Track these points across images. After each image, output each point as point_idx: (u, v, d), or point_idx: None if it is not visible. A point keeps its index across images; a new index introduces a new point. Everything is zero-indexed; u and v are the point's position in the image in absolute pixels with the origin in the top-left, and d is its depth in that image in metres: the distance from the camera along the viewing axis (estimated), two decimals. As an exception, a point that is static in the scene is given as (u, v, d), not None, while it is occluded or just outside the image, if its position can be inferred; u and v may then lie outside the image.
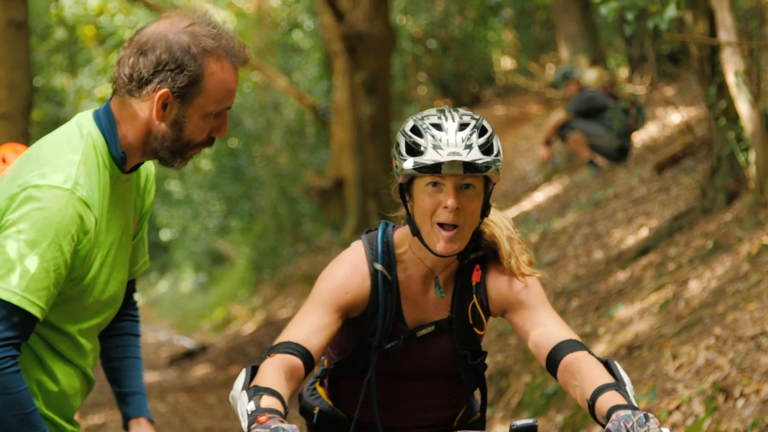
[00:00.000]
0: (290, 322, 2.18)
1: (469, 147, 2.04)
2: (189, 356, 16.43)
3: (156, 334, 21.08)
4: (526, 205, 13.42)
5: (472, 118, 2.14)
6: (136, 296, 2.46)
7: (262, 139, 21.00)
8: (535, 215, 12.39)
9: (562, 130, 11.32)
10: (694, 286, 6.51)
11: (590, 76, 13.23)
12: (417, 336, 2.27)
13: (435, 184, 2.09)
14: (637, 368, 5.50)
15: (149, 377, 15.50)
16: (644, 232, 8.82)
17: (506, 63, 21.92)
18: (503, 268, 2.24)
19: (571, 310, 7.60)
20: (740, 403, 4.58)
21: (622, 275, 7.65)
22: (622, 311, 6.68)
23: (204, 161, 22.63)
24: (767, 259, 6.00)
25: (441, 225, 2.10)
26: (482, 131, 2.11)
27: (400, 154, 2.12)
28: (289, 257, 19.64)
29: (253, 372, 2.02)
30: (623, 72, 15.27)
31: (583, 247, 9.50)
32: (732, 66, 6.31)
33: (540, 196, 13.37)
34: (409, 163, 2.08)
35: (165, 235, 31.24)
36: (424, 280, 2.27)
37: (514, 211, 13.47)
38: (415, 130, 2.11)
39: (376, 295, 2.22)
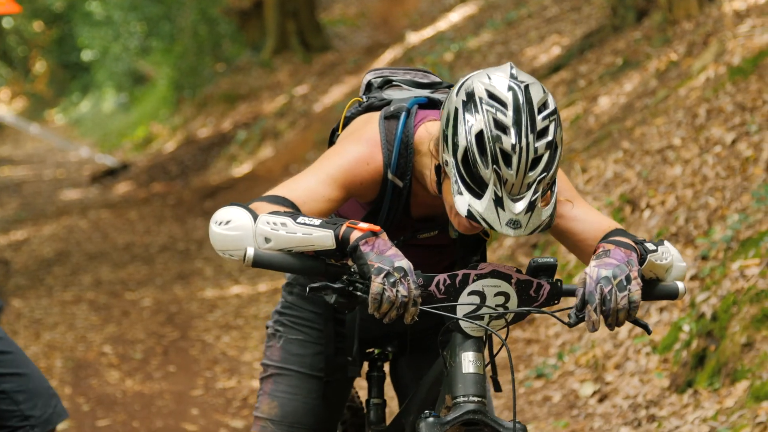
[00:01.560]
0: (285, 182, 1.75)
1: (531, 208, 1.53)
2: (111, 174, 16.08)
3: (78, 153, 20.46)
4: (442, 25, 13.15)
5: (550, 131, 1.54)
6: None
7: (181, -39, 19.73)
8: (451, 35, 12.14)
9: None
10: (604, 102, 6.46)
11: None
12: (418, 237, 1.93)
13: None
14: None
15: (72, 194, 15.35)
16: (556, 50, 8.71)
17: None
18: None
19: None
20: (646, 213, 4.60)
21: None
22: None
23: (125, -18, 21.30)
24: (674, 75, 5.94)
25: None
26: (552, 157, 1.55)
27: (457, 169, 1.56)
28: (210, 77, 19.09)
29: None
30: None
31: (497, 66, 9.33)
32: None
33: (455, 16, 13.11)
34: (463, 205, 1.54)
35: (86, 55, 29.80)
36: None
37: (429, 31, 13.30)
38: (482, 147, 1.52)
39: (383, 194, 1.83)
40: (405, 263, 1.52)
